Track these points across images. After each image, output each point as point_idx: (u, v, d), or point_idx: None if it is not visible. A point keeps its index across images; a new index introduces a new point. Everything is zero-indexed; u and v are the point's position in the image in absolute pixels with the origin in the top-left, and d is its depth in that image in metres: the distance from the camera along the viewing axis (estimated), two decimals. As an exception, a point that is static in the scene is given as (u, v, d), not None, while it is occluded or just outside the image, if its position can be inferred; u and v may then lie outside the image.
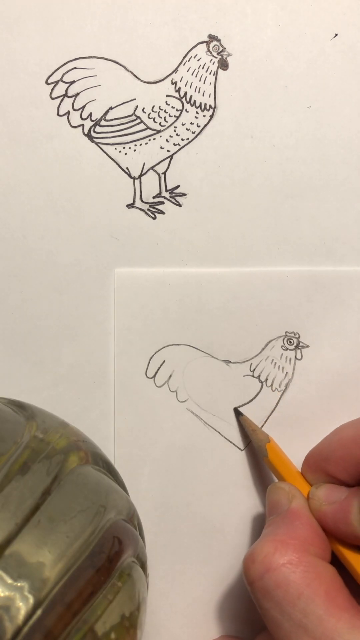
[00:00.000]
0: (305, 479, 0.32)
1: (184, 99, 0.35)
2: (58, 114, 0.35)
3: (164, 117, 0.35)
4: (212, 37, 0.35)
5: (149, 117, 0.35)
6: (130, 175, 0.35)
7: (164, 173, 0.35)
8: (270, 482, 0.34)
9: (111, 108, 0.35)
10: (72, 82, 0.34)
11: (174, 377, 0.35)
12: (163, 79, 0.35)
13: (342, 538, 0.29)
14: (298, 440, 0.33)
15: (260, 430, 0.34)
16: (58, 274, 0.35)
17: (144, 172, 0.35)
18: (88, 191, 0.35)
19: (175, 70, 0.35)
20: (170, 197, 0.35)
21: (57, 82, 0.34)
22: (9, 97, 0.34)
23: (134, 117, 0.35)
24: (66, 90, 0.34)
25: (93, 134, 0.35)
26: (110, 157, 0.35)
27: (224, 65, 0.35)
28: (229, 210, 0.35)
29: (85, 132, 0.35)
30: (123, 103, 0.35)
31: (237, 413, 0.34)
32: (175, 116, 0.35)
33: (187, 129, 0.35)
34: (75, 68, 0.34)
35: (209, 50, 0.35)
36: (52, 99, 0.34)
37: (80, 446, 0.29)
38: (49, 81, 0.34)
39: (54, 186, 0.35)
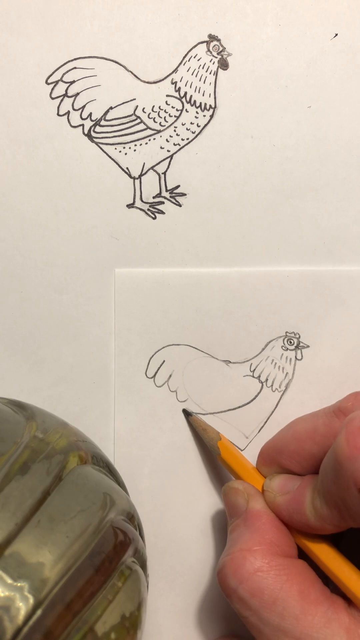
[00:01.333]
0: (261, 474, 0.32)
1: (184, 99, 0.35)
2: (58, 114, 0.34)
3: (164, 117, 0.35)
4: (212, 37, 0.35)
5: (149, 117, 0.35)
6: (130, 175, 0.35)
7: (164, 173, 0.35)
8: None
9: (111, 108, 0.35)
10: (72, 82, 0.34)
11: (173, 377, 0.35)
12: (163, 79, 0.35)
13: (298, 528, 0.29)
14: (298, 440, 0.33)
15: (211, 428, 0.34)
16: (58, 274, 0.35)
17: (144, 172, 0.35)
18: (88, 191, 0.35)
19: (175, 70, 0.35)
20: (170, 197, 0.35)
21: (57, 82, 0.34)
22: (9, 97, 0.34)
23: (134, 117, 0.35)
24: (66, 90, 0.34)
25: (93, 134, 0.35)
26: (110, 157, 0.35)
27: (224, 65, 0.35)
28: (229, 210, 0.35)
29: (85, 132, 0.35)
30: (123, 103, 0.35)
31: (187, 414, 0.34)
32: (175, 116, 0.35)
33: (187, 129, 0.35)
34: (75, 68, 0.34)
35: (209, 50, 0.35)
36: (52, 99, 0.34)
37: (80, 446, 0.29)
38: (49, 81, 0.34)
39: (54, 186, 0.35)
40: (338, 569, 0.28)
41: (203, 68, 0.35)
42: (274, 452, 0.31)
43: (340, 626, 0.26)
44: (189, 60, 0.35)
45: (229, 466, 0.32)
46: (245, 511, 0.30)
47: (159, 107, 0.35)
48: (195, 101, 0.35)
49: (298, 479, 0.30)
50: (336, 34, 0.35)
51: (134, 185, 0.35)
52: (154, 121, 0.35)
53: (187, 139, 0.35)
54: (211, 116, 0.35)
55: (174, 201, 0.35)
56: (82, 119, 0.35)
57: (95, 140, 0.35)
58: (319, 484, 0.27)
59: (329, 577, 0.28)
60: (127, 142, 0.35)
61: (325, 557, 0.29)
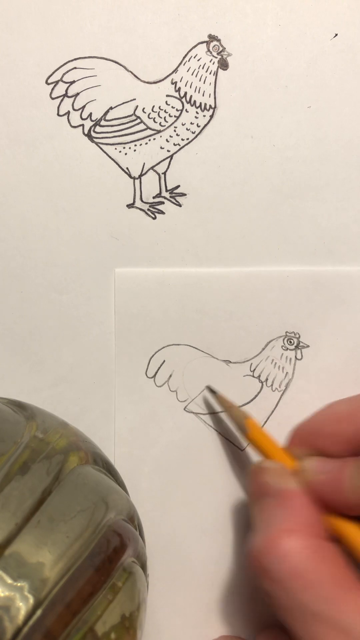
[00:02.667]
0: (291, 455, 0.31)
1: (184, 99, 0.35)
2: (58, 114, 0.34)
3: (164, 117, 0.35)
4: (212, 37, 0.35)
5: (149, 117, 0.35)
6: (130, 175, 0.35)
7: (164, 173, 0.35)
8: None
9: (111, 108, 0.35)
10: (72, 82, 0.34)
11: (174, 377, 0.35)
12: (163, 79, 0.35)
13: (335, 508, 0.28)
14: (298, 440, 0.33)
15: (237, 407, 0.33)
16: (58, 274, 0.35)
17: (144, 172, 0.35)
18: (88, 191, 0.35)
19: (175, 70, 0.35)
20: (170, 197, 0.35)
21: (57, 82, 0.34)
22: (9, 97, 0.34)
23: (134, 117, 0.35)
24: (66, 90, 0.34)
25: (93, 134, 0.35)
26: (110, 157, 0.35)
27: (224, 65, 0.35)
28: (229, 210, 0.35)
29: (85, 132, 0.35)
30: (123, 103, 0.35)
31: (211, 391, 0.34)
32: (175, 116, 0.35)
33: (187, 129, 0.35)
34: (75, 68, 0.34)
35: (209, 50, 0.35)
36: (52, 99, 0.34)
37: (80, 446, 0.29)
38: (49, 81, 0.34)
39: (54, 186, 0.35)
40: None
41: (203, 68, 0.35)
42: (309, 433, 0.30)
43: None
44: (189, 60, 0.35)
45: (258, 445, 0.31)
46: (278, 491, 0.29)
47: (159, 107, 0.35)
48: (195, 101, 0.35)
49: (335, 461, 0.29)
50: (336, 34, 0.35)
51: (134, 185, 0.35)
52: (154, 121, 0.35)
53: (187, 139, 0.35)
54: (211, 116, 0.35)
55: (174, 201, 0.35)
56: (82, 119, 0.35)
57: (95, 140, 0.35)
58: None
59: (356, 557, 0.28)
60: (127, 142, 0.35)
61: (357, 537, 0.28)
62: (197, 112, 0.35)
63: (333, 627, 0.25)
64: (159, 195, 0.35)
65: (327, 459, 0.30)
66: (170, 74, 0.35)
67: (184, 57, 0.35)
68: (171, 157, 0.35)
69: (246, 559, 0.28)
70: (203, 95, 0.35)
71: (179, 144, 0.35)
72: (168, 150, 0.35)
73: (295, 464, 0.30)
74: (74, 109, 0.35)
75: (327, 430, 0.30)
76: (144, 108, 0.35)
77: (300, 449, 0.31)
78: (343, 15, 0.35)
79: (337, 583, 0.26)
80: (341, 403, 0.30)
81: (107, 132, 0.35)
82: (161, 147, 0.35)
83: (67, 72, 0.34)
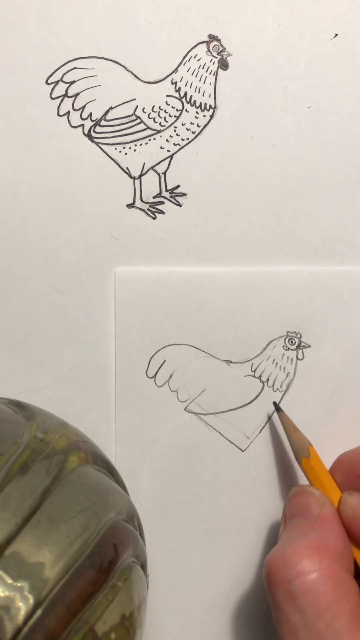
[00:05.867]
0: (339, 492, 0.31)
1: (184, 99, 0.35)
2: (58, 114, 0.35)
3: (164, 117, 0.35)
4: (212, 37, 0.35)
5: (149, 117, 0.35)
6: (130, 175, 0.35)
7: (164, 173, 0.35)
8: (272, 482, 0.34)
9: (111, 108, 0.35)
10: (72, 82, 0.34)
11: (174, 377, 0.35)
12: (163, 79, 0.35)
13: None
14: (298, 440, 0.33)
15: (300, 430, 0.33)
16: (58, 274, 0.35)
17: (144, 172, 0.35)
18: (88, 191, 0.35)
19: (175, 70, 0.35)
20: (170, 197, 0.35)
21: (57, 82, 0.34)
22: (9, 97, 0.34)
23: (134, 117, 0.35)
24: (66, 90, 0.34)
25: (93, 134, 0.35)
26: (110, 157, 0.35)
27: (224, 65, 0.35)
28: (229, 210, 0.35)
29: (85, 132, 0.35)
30: (123, 103, 0.35)
31: (277, 409, 0.34)
32: (175, 116, 0.35)
33: (187, 129, 0.35)
34: (75, 68, 0.34)
35: (209, 50, 0.35)
36: (52, 99, 0.34)
37: (80, 446, 0.29)
38: (49, 81, 0.34)
39: (54, 186, 0.35)
40: None
41: (203, 68, 0.35)
42: (356, 462, 0.30)
43: None
44: (189, 61, 0.35)
45: (314, 473, 0.31)
46: (317, 515, 0.29)
47: (159, 107, 0.35)
48: (195, 101, 0.35)
49: None
50: (336, 34, 0.35)
51: (134, 185, 0.35)
52: (154, 121, 0.35)
53: (187, 139, 0.35)
54: (211, 116, 0.35)
55: (174, 201, 0.35)
56: (82, 119, 0.35)
57: (95, 140, 0.35)
58: None
59: None
60: (127, 142, 0.35)
61: None
62: (197, 112, 0.35)
63: None
64: (159, 195, 0.35)
65: None
66: (170, 74, 0.35)
67: (184, 57, 0.35)
68: (171, 157, 0.35)
69: (264, 568, 0.28)
70: (203, 95, 0.35)
71: (179, 144, 0.35)
72: (168, 150, 0.35)
73: (339, 497, 0.30)
74: (74, 109, 0.35)
75: None
76: (144, 108, 0.35)
77: (344, 477, 0.30)
78: (343, 15, 0.35)
79: (355, 621, 0.25)
80: None
81: (107, 132, 0.35)
82: (161, 147, 0.35)
83: (67, 72, 0.34)
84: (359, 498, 0.29)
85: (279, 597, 0.26)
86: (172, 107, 0.35)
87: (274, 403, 0.34)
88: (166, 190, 0.35)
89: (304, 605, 0.26)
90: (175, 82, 0.35)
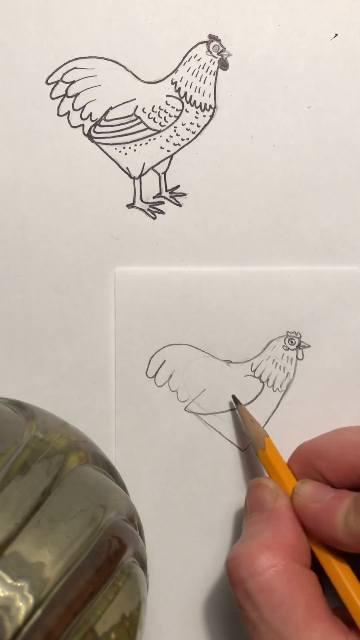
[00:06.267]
0: (292, 472, 0.31)
1: (184, 99, 0.35)
2: (58, 114, 0.35)
3: (164, 117, 0.35)
4: (212, 37, 0.35)
5: (149, 117, 0.35)
6: (130, 175, 0.35)
7: (164, 173, 0.35)
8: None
9: (111, 108, 0.35)
10: (72, 82, 0.34)
11: (174, 377, 0.35)
12: (163, 79, 0.35)
13: (321, 539, 0.29)
14: (299, 440, 0.33)
15: (257, 422, 0.33)
16: (58, 274, 0.35)
17: (144, 172, 0.35)
18: (88, 191, 0.35)
19: (175, 70, 0.35)
20: (170, 197, 0.35)
21: (57, 82, 0.34)
22: (9, 97, 0.34)
23: (134, 117, 0.35)
24: (66, 90, 0.34)
25: (93, 134, 0.35)
26: (110, 157, 0.35)
27: (224, 65, 0.35)
28: (229, 210, 0.35)
29: (85, 132, 0.35)
30: (123, 103, 0.35)
31: (235, 401, 0.34)
32: (175, 116, 0.35)
33: (187, 129, 0.35)
34: (75, 68, 0.34)
35: (209, 50, 0.35)
36: (52, 99, 0.34)
37: (80, 446, 0.29)
38: (49, 81, 0.34)
39: (54, 186, 0.35)
40: (353, 588, 0.28)
41: (203, 68, 0.35)
42: (312, 453, 0.31)
43: None
44: (189, 61, 0.35)
45: (270, 464, 0.32)
46: (271, 508, 0.30)
47: (159, 107, 0.35)
48: (195, 101, 0.35)
49: (331, 490, 0.29)
50: (336, 34, 0.35)
51: (134, 185, 0.35)
52: (154, 121, 0.35)
53: (187, 139, 0.35)
54: (211, 116, 0.35)
55: (174, 201, 0.35)
56: (82, 119, 0.35)
57: (95, 140, 0.35)
58: (359, 500, 0.27)
59: (339, 594, 0.28)
60: (127, 142, 0.35)
61: (343, 573, 0.28)
62: (197, 112, 0.35)
63: None
64: (159, 195, 0.35)
65: (323, 485, 0.30)
66: (170, 74, 0.35)
67: (184, 57, 0.35)
68: (171, 157, 0.35)
69: (225, 566, 0.29)
70: (203, 95, 0.35)
71: (179, 144, 0.35)
72: (168, 150, 0.35)
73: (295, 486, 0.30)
74: (74, 109, 0.35)
75: (330, 455, 0.30)
76: (144, 108, 0.35)
77: (300, 468, 0.31)
78: (343, 15, 0.35)
79: (310, 612, 0.26)
80: (350, 431, 0.30)
81: (107, 132, 0.35)
82: (161, 147, 0.35)
83: (67, 72, 0.34)
84: (310, 487, 0.30)
85: (238, 596, 0.28)
86: (172, 107, 0.35)
87: (233, 396, 0.34)
88: (166, 190, 0.35)
89: (259, 602, 0.27)
90: (175, 82, 0.35)
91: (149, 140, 0.35)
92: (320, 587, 0.28)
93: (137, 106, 0.35)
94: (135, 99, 0.35)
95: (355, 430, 0.30)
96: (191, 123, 0.35)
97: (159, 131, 0.35)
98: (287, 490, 0.31)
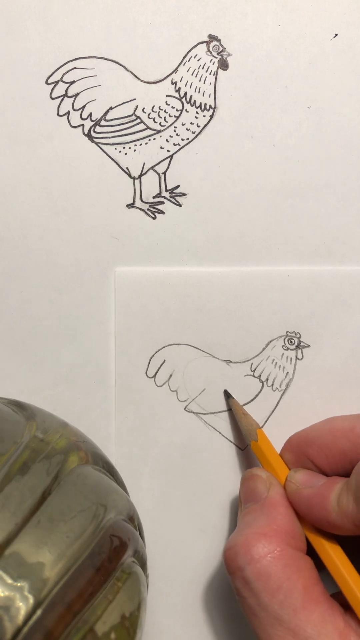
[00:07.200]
0: (285, 463, 0.32)
1: (184, 99, 0.35)
2: (58, 114, 0.35)
3: (164, 117, 0.35)
4: (212, 37, 0.35)
5: (149, 117, 0.35)
6: (130, 175, 0.35)
7: (164, 173, 0.35)
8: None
9: (111, 108, 0.35)
10: (72, 82, 0.34)
11: (174, 376, 0.35)
12: (163, 79, 0.35)
13: (315, 523, 0.29)
14: (298, 440, 0.33)
15: (249, 414, 0.34)
16: (58, 274, 0.35)
17: (144, 172, 0.35)
18: (88, 191, 0.35)
19: (175, 70, 0.35)
20: (170, 197, 0.35)
21: (57, 82, 0.34)
22: (9, 97, 0.34)
23: (134, 117, 0.35)
24: (66, 90, 0.34)
25: (93, 134, 0.35)
26: (110, 157, 0.35)
27: (224, 65, 0.35)
28: (229, 210, 0.35)
29: (85, 132, 0.35)
30: (123, 103, 0.35)
31: (227, 395, 0.34)
32: (175, 116, 0.35)
33: (187, 129, 0.35)
34: (75, 68, 0.34)
35: (209, 50, 0.35)
36: (52, 99, 0.34)
37: (80, 446, 0.29)
38: (49, 81, 0.34)
39: (54, 186, 0.35)
40: (347, 571, 0.28)
41: (203, 68, 0.35)
42: (304, 441, 0.31)
43: (335, 628, 0.26)
44: (189, 61, 0.35)
45: (262, 454, 0.32)
46: (264, 498, 0.30)
47: (159, 107, 0.35)
48: (195, 101, 0.35)
49: (323, 477, 0.30)
50: (336, 34, 0.35)
51: (134, 185, 0.35)
52: (154, 121, 0.35)
53: (187, 139, 0.35)
54: (211, 116, 0.35)
55: (174, 201, 0.35)
56: (82, 119, 0.35)
57: (95, 140, 0.35)
58: (352, 480, 0.28)
59: (333, 577, 0.29)
60: (127, 142, 0.35)
61: (336, 557, 0.29)
62: (197, 112, 0.35)
63: (294, 636, 0.26)
64: (159, 195, 0.35)
65: (315, 473, 0.30)
66: (170, 74, 0.35)
67: (184, 57, 0.35)
68: (171, 157, 0.35)
69: (222, 557, 0.29)
70: (203, 95, 0.35)
71: (179, 144, 0.35)
72: (168, 150, 0.35)
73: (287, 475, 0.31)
74: (74, 109, 0.35)
75: (322, 442, 0.30)
76: (144, 108, 0.35)
77: (292, 456, 0.31)
78: (343, 15, 0.35)
79: (307, 594, 0.27)
80: (341, 418, 0.31)
81: (107, 132, 0.35)
82: (161, 147, 0.35)
83: (67, 72, 0.34)
84: (303, 474, 0.30)
85: (236, 584, 0.28)
86: (172, 107, 0.35)
87: (225, 391, 0.34)
88: (166, 190, 0.35)
89: (258, 588, 0.27)
90: (175, 82, 0.35)
91: (149, 140, 0.35)
92: (317, 572, 0.29)
93: (137, 106, 0.34)
94: (135, 99, 0.35)
95: (346, 418, 0.31)
96: (191, 123, 0.35)
97: (159, 131, 0.35)
98: (280, 480, 0.31)
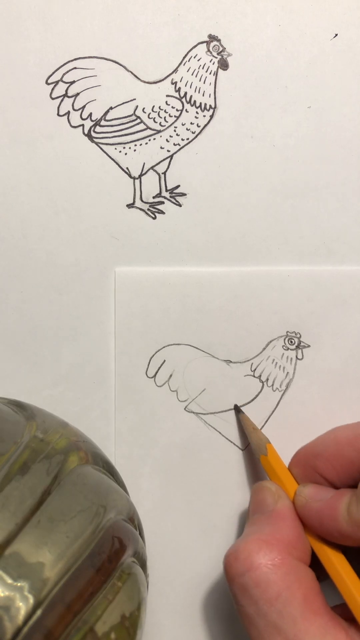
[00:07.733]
0: (293, 476, 0.32)
1: (184, 99, 0.35)
2: (58, 114, 0.35)
3: (164, 117, 0.35)
4: (212, 37, 0.35)
5: (149, 117, 0.35)
6: (130, 175, 0.35)
7: (164, 173, 0.35)
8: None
9: (111, 108, 0.35)
10: (72, 82, 0.34)
11: (174, 377, 0.35)
12: (163, 79, 0.35)
13: (325, 536, 0.29)
14: (298, 440, 0.33)
15: (259, 429, 0.34)
16: (58, 274, 0.35)
17: (144, 172, 0.35)
18: (88, 191, 0.35)
19: (175, 70, 0.35)
20: (170, 197, 0.35)
21: (57, 82, 0.34)
22: (9, 97, 0.34)
23: (134, 117, 0.35)
24: (66, 90, 0.34)
25: (93, 134, 0.35)
26: (110, 157, 0.35)
27: (224, 65, 0.35)
28: (229, 210, 0.35)
29: (85, 132, 0.35)
30: (123, 103, 0.35)
31: (237, 410, 0.34)
32: (175, 116, 0.35)
33: (187, 129, 0.35)
34: (75, 68, 0.34)
35: (209, 50, 0.35)
36: (52, 99, 0.34)
37: (80, 446, 0.29)
38: (49, 81, 0.34)
39: (54, 186, 0.35)
40: (353, 583, 0.28)
41: (203, 68, 0.35)
42: (311, 454, 0.31)
43: None
44: (189, 61, 0.35)
45: (272, 469, 0.32)
46: (272, 510, 0.30)
47: (159, 107, 0.35)
48: (195, 101, 0.35)
49: (331, 490, 0.30)
50: (336, 34, 0.35)
51: (134, 185, 0.35)
52: (154, 121, 0.35)
53: (187, 139, 0.35)
54: (211, 116, 0.35)
55: (174, 201, 0.35)
56: (82, 119, 0.35)
57: (95, 140, 0.35)
58: None
59: (338, 588, 0.28)
60: (127, 142, 0.35)
61: (342, 568, 0.29)
62: (197, 112, 0.35)
63: None
64: (159, 195, 0.35)
65: (324, 487, 0.30)
66: (170, 74, 0.35)
67: (184, 57, 0.35)
68: (171, 157, 0.35)
69: (223, 563, 0.29)
70: (203, 95, 0.35)
71: (179, 144, 0.35)
72: (168, 150, 0.35)
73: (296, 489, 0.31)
74: (74, 109, 0.35)
75: (328, 454, 0.30)
76: (144, 108, 0.35)
77: (301, 470, 0.31)
78: (343, 15, 0.35)
79: (307, 605, 0.27)
80: (344, 428, 0.31)
81: (107, 132, 0.35)
82: (161, 147, 0.35)
83: (67, 72, 0.34)
84: (312, 488, 0.30)
85: (235, 591, 0.28)
86: (172, 107, 0.35)
87: (235, 406, 0.35)
88: (166, 190, 0.35)
89: (256, 596, 0.27)
90: (175, 82, 0.35)
91: (149, 140, 0.35)
92: (318, 584, 0.28)
93: (137, 106, 0.34)
94: (135, 99, 0.35)
95: (349, 427, 0.31)
96: (191, 123, 0.35)
97: (159, 131, 0.35)
98: (289, 495, 0.31)
